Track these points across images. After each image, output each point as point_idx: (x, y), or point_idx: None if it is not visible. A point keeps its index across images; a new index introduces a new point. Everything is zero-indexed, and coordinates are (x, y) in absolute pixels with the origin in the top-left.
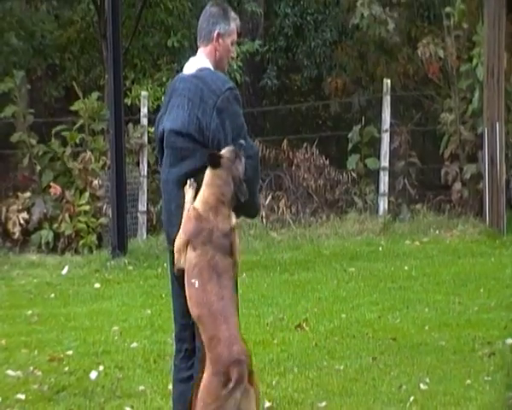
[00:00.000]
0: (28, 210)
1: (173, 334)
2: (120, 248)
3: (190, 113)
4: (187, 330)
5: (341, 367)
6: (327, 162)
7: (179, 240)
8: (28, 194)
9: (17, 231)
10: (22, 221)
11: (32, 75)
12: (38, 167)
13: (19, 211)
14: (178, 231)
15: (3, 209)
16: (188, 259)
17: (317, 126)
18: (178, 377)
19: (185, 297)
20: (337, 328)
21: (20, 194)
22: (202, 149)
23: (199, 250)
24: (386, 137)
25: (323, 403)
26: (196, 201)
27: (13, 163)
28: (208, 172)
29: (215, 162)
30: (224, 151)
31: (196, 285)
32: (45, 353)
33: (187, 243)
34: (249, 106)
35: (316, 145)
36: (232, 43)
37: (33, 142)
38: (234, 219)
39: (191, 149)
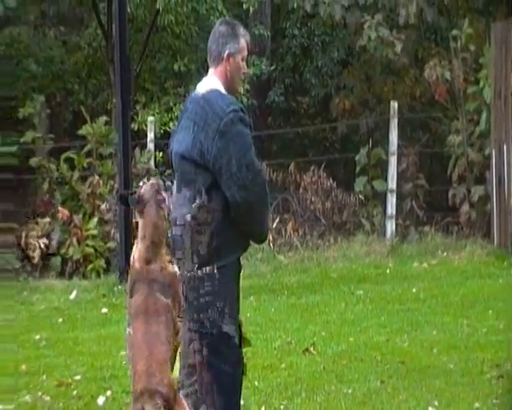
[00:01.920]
0: (48, 235)
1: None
2: (127, 271)
3: (195, 136)
4: (190, 345)
5: (349, 391)
6: (334, 185)
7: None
8: (48, 219)
9: (37, 255)
10: (43, 246)
11: (51, 100)
12: (58, 193)
13: (39, 237)
14: (182, 255)
15: (23, 235)
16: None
17: (324, 149)
18: (182, 393)
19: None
20: (345, 351)
21: (39, 219)
22: (204, 174)
23: (135, 294)
24: (393, 159)
25: None
26: (134, 246)
27: (32, 188)
28: (137, 215)
29: (134, 204)
30: (142, 189)
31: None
32: (53, 377)
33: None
34: (256, 129)
35: (323, 168)
36: (243, 59)
37: (53, 167)
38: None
39: (193, 172)
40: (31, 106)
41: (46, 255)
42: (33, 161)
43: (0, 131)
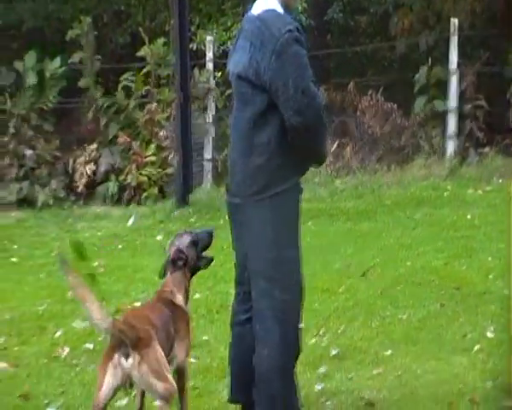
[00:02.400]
0: (95, 162)
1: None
2: (184, 199)
3: (251, 57)
4: (245, 272)
5: (406, 315)
6: (394, 107)
7: None
8: (95, 145)
9: (82, 183)
10: (90, 173)
11: (98, 22)
12: (104, 119)
13: (86, 163)
14: (239, 179)
15: (70, 161)
16: None
17: (382, 68)
18: (236, 320)
19: (244, 241)
20: (402, 276)
21: (86, 146)
22: (261, 95)
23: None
24: (453, 79)
25: (389, 351)
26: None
27: (78, 115)
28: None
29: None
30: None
31: None
32: (112, 304)
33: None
34: (314, 48)
35: (382, 91)
36: None
37: (99, 94)
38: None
39: (250, 93)
40: (78, 27)
41: (92, 183)
42: (82, 83)
43: (48, 53)
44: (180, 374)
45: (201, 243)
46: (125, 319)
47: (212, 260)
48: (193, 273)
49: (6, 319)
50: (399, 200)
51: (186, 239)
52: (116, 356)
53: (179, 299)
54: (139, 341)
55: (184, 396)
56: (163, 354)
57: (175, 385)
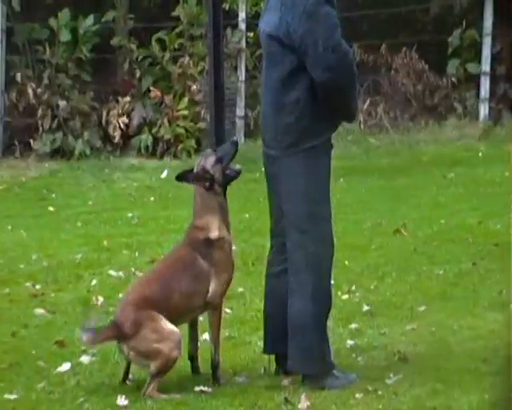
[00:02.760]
0: (128, 115)
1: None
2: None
3: (282, 16)
4: (279, 224)
5: (441, 272)
6: (426, 67)
7: None
8: (128, 98)
9: (117, 135)
10: (122, 125)
11: None
12: (138, 72)
13: (119, 115)
14: (271, 135)
15: (104, 113)
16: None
17: (416, 31)
18: (270, 271)
19: (278, 193)
20: (436, 233)
21: (120, 98)
22: (291, 55)
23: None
24: (487, 41)
25: (423, 307)
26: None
27: (112, 68)
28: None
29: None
30: (202, 163)
31: None
32: (146, 254)
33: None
34: (347, 10)
35: (415, 49)
36: None
37: (133, 46)
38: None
39: (280, 53)
40: None
41: (126, 135)
42: (114, 41)
43: (81, 11)
44: (212, 309)
45: (226, 157)
46: (120, 310)
47: (241, 172)
48: (225, 188)
49: (43, 266)
50: (435, 158)
51: (211, 158)
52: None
53: (214, 232)
54: (126, 335)
55: (215, 334)
56: (158, 326)
57: (166, 353)
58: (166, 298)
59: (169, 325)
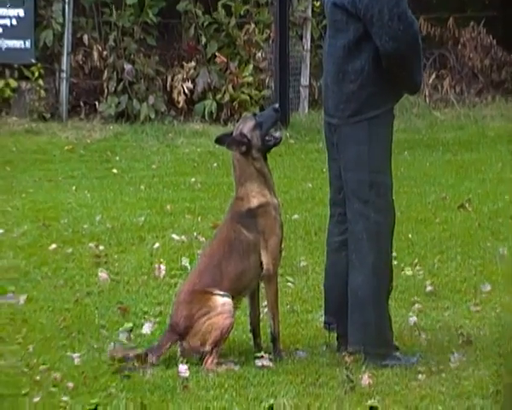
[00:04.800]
0: (193, 80)
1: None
2: (282, 121)
3: None
4: (340, 193)
5: (506, 251)
6: (494, 42)
7: None
8: (193, 64)
9: (181, 100)
10: (187, 91)
11: None
12: (204, 38)
13: (183, 80)
14: (333, 104)
15: (169, 78)
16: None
17: (484, 5)
18: (330, 241)
19: (338, 162)
20: (501, 209)
21: (185, 64)
22: (355, 23)
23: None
24: None
25: (488, 287)
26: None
27: (178, 33)
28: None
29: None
30: (240, 128)
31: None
32: (208, 219)
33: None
34: None
35: (483, 24)
36: None
37: (199, 12)
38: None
39: (344, 21)
40: None
41: (191, 100)
42: (180, 6)
43: None
44: (267, 280)
45: (266, 123)
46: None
47: (281, 139)
48: (265, 154)
49: (107, 227)
50: (501, 133)
51: (250, 123)
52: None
53: (254, 201)
54: (183, 333)
55: (273, 305)
56: (208, 306)
57: (219, 324)
58: (219, 284)
59: (218, 299)
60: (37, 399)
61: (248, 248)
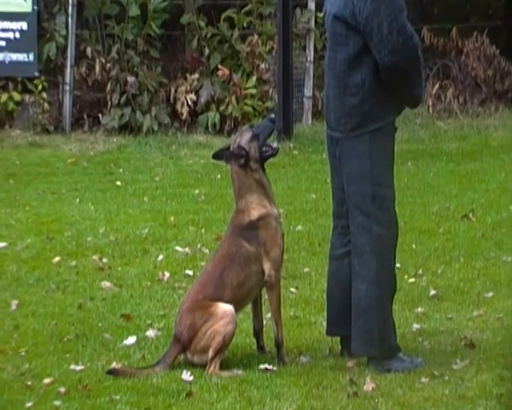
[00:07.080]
0: (196, 92)
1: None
2: (286, 132)
3: None
4: (343, 206)
5: (509, 259)
6: (497, 52)
7: None
8: (196, 76)
9: (185, 112)
10: (190, 102)
11: None
12: (207, 50)
13: (187, 92)
14: (335, 117)
15: (172, 90)
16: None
17: (487, 15)
18: (333, 253)
19: (341, 175)
20: (505, 220)
21: (188, 75)
22: (355, 36)
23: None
24: None
25: (490, 294)
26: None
27: (181, 45)
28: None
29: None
30: (238, 141)
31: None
32: (212, 231)
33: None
34: None
35: (486, 34)
36: None
37: (202, 24)
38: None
39: (344, 35)
40: None
41: (194, 112)
42: (183, 18)
43: None
44: (269, 289)
45: (263, 133)
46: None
47: (278, 150)
48: (262, 164)
49: (110, 240)
50: (505, 143)
51: (247, 135)
52: None
53: (254, 213)
54: (186, 343)
55: (276, 312)
56: (210, 313)
57: (222, 330)
58: (221, 295)
59: (220, 306)
60: None
61: (249, 260)
